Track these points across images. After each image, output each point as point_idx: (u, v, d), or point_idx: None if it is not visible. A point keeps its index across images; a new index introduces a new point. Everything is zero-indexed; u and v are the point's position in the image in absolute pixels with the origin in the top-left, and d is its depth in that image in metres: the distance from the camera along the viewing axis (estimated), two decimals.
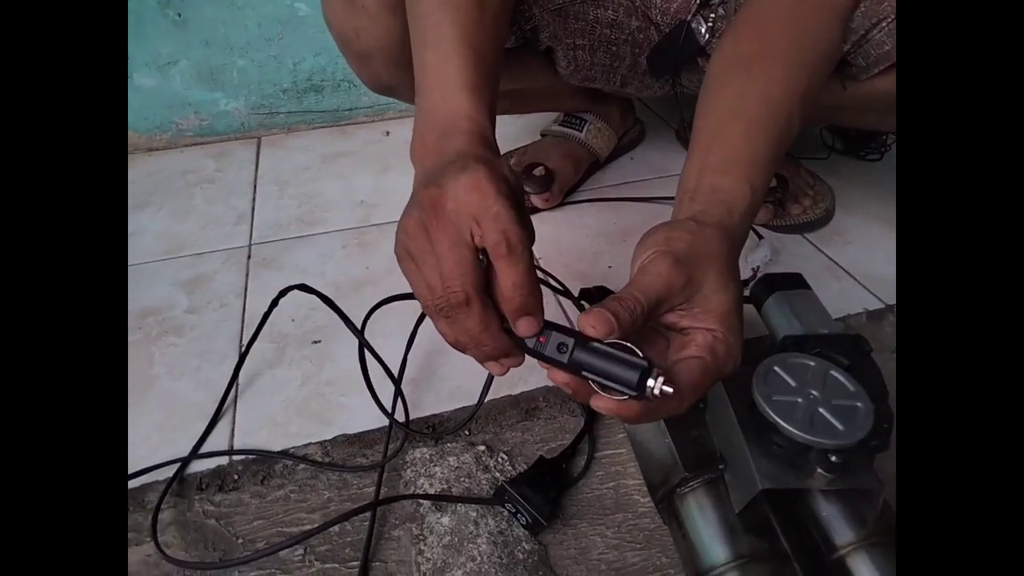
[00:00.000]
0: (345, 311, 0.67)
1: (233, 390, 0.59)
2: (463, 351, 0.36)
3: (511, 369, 0.36)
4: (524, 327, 0.33)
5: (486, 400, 0.57)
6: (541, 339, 0.33)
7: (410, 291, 0.37)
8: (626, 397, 0.31)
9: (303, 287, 0.55)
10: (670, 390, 0.31)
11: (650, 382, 0.31)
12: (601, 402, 0.32)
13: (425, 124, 0.40)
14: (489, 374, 0.53)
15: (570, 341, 0.32)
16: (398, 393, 0.55)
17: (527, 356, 0.35)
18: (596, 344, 0.32)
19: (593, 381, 0.32)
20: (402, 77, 0.64)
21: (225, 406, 0.58)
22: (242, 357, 0.60)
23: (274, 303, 0.57)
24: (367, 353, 0.53)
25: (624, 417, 0.32)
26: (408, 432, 0.53)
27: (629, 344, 0.32)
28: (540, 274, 0.69)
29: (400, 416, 0.55)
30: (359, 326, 0.54)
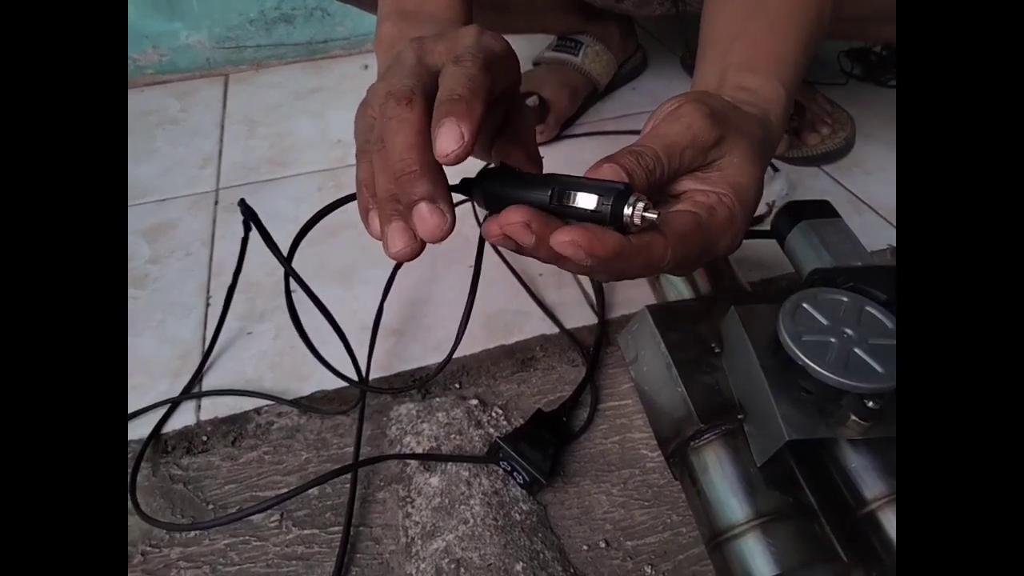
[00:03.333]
0: (324, 258, 0.62)
1: (211, 341, 0.53)
2: (369, 207, 0.27)
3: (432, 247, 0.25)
4: (418, 222, 0.24)
5: (479, 350, 0.52)
6: (509, 175, 0.27)
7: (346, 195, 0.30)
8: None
9: (244, 207, 0.40)
10: (654, 216, 0.24)
11: (627, 210, 0.24)
12: (566, 235, 0.23)
13: (394, 7, 0.34)
14: (462, 318, 0.44)
15: (547, 177, 0.26)
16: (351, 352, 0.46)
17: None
18: (567, 177, 0.25)
19: (557, 212, 0.25)
20: None
21: (212, 357, 0.53)
22: (227, 303, 0.52)
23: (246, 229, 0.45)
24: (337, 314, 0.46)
25: (596, 255, 0.23)
26: (365, 390, 0.47)
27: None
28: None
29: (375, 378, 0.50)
30: (335, 266, 0.48)
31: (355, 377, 0.47)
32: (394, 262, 0.50)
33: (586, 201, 0.24)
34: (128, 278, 0.61)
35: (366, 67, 0.95)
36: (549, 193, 0.25)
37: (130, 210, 0.70)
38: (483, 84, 0.24)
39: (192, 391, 0.51)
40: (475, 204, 0.29)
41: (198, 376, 0.52)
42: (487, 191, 0.27)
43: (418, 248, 0.25)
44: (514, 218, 0.23)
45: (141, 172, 0.75)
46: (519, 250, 0.25)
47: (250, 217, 0.38)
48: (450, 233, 0.24)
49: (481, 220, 0.30)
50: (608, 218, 0.24)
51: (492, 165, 0.29)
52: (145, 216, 0.69)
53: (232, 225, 0.67)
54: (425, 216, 0.23)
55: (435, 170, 0.24)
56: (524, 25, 0.79)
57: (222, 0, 0.90)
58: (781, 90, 0.33)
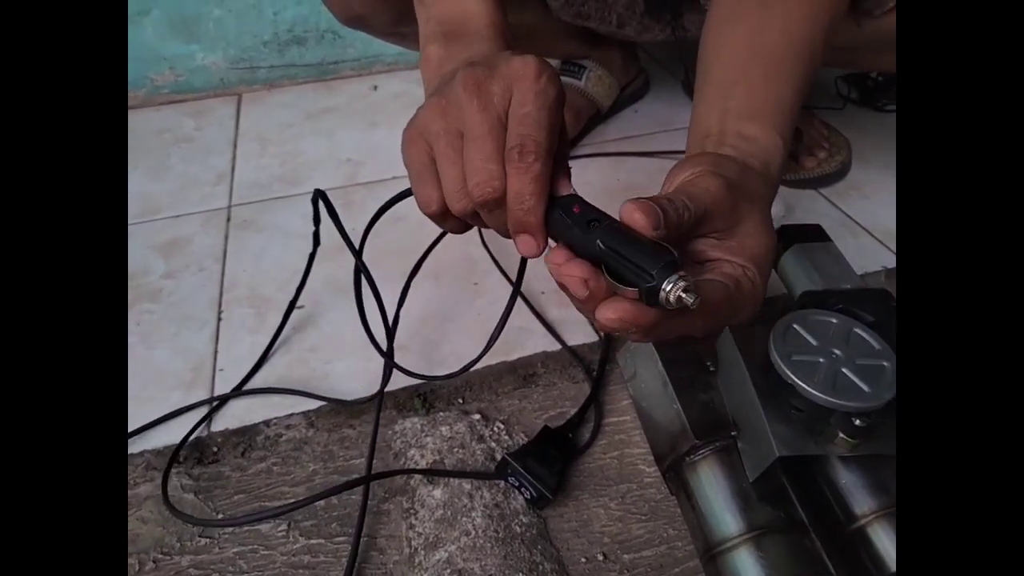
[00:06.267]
0: (330, 273, 0.64)
1: (265, 348, 0.56)
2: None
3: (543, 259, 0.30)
4: (521, 245, 0.29)
5: (481, 366, 0.54)
6: (575, 209, 0.28)
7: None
8: (638, 296, 0.26)
9: (320, 193, 0.45)
10: (691, 301, 0.25)
11: (666, 285, 0.25)
12: (612, 311, 0.26)
13: (438, 29, 0.36)
14: (490, 339, 0.48)
15: (603, 220, 0.27)
16: (391, 333, 0.49)
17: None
18: (625, 229, 0.26)
19: (609, 268, 0.26)
20: (375, 5, 0.59)
21: (220, 370, 0.55)
22: (287, 313, 0.56)
23: (316, 207, 0.46)
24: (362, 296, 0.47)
25: (638, 326, 0.26)
26: (393, 368, 0.48)
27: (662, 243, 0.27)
28: None
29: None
30: (345, 279, 0.48)
31: (373, 381, 0.48)
32: (406, 275, 0.52)
33: (628, 272, 0.26)
34: (143, 292, 0.63)
35: (375, 88, 0.98)
36: (598, 248, 0.27)
37: (145, 226, 0.72)
38: (546, 174, 0.28)
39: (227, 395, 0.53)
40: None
41: (249, 377, 0.54)
42: (553, 218, 0.29)
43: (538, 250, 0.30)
44: (575, 272, 0.26)
45: (156, 189, 0.78)
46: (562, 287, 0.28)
47: (325, 201, 0.43)
48: (541, 254, 0.29)
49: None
50: (645, 296, 0.25)
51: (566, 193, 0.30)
52: (160, 232, 0.71)
53: (244, 241, 0.69)
54: (528, 242, 0.29)
55: (540, 212, 0.28)
56: (530, 50, 0.81)
57: (237, 23, 0.93)
58: (779, 140, 0.35)
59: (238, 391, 0.53)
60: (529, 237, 0.29)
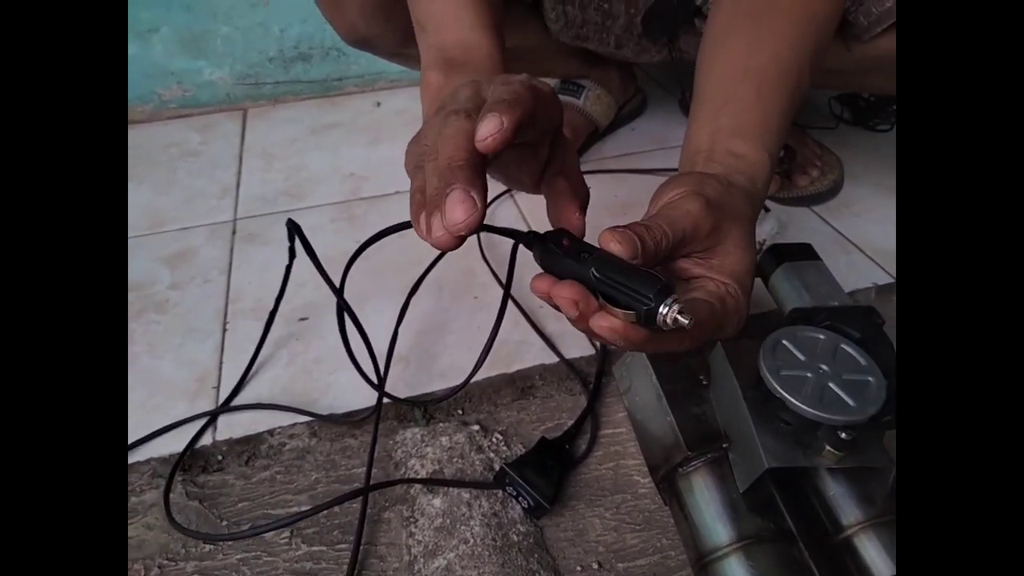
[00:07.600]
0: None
1: (249, 362, 0.57)
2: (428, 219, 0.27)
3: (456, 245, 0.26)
4: (452, 201, 0.25)
5: (480, 378, 0.55)
6: (564, 243, 0.29)
7: (400, 223, 0.33)
8: (635, 319, 0.27)
9: (294, 225, 0.48)
10: (686, 322, 0.26)
11: (663, 309, 0.26)
12: (605, 320, 0.27)
13: (437, 58, 0.38)
14: (482, 352, 0.50)
15: (593, 252, 0.28)
16: (389, 358, 0.52)
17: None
18: (615, 259, 0.28)
19: (604, 294, 0.28)
20: (380, 26, 0.60)
21: (225, 380, 0.56)
22: (268, 324, 0.56)
23: (291, 233, 0.49)
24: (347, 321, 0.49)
25: (628, 340, 0.27)
26: (383, 396, 0.50)
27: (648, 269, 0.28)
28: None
29: (390, 391, 0.53)
30: (347, 295, 0.50)
31: (374, 393, 0.50)
32: (407, 291, 0.54)
33: (624, 298, 0.27)
34: (149, 303, 0.64)
35: (379, 104, 1.00)
36: (592, 278, 0.28)
37: (152, 238, 0.73)
38: (526, 98, 0.27)
39: (223, 407, 0.54)
40: (531, 253, 0.32)
41: (235, 393, 0.55)
42: (545, 252, 0.30)
43: (455, 240, 0.26)
44: (566, 293, 0.27)
45: (163, 202, 0.79)
46: (556, 308, 0.28)
47: (300, 236, 0.45)
48: (476, 225, 0.25)
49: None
50: (643, 319, 0.27)
51: (552, 229, 0.31)
52: (166, 244, 0.72)
53: (249, 254, 0.71)
54: (457, 200, 0.25)
55: (478, 167, 0.26)
56: (531, 71, 0.83)
57: (244, 39, 0.95)
58: (766, 156, 0.37)
59: (226, 407, 0.54)
60: (459, 191, 0.24)
